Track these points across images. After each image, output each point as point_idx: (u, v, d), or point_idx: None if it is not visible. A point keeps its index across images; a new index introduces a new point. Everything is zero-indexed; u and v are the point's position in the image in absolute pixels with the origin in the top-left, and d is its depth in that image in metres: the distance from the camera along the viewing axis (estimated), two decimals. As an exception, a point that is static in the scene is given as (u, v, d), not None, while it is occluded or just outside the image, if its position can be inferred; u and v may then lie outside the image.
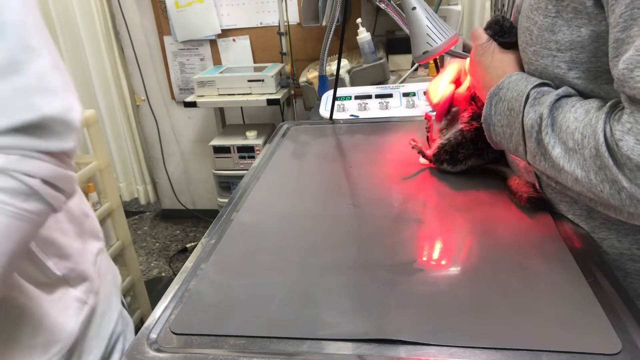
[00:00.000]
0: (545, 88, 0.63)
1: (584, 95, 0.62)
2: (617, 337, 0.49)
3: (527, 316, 0.53)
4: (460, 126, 0.85)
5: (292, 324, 0.55)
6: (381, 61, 1.74)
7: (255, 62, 2.53)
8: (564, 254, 0.63)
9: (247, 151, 2.26)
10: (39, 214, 0.53)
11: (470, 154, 0.84)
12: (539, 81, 0.64)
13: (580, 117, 0.56)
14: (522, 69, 0.70)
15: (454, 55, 0.95)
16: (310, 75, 1.94)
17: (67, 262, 0.69)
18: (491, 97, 0.69)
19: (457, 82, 0.90)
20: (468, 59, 0.80)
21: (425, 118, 0.94)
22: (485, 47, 0.73)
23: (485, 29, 0.75)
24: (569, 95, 0.61)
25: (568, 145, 0.57)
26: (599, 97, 0.60)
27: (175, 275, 1.66)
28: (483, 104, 0.81)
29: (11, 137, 0.50)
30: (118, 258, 1.88)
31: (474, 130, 0.82)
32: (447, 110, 0.89)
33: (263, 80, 2.20)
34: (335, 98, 1.24)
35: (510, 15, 0.78)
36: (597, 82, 0.61)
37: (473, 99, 0.84)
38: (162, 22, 2.53)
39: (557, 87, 0.63)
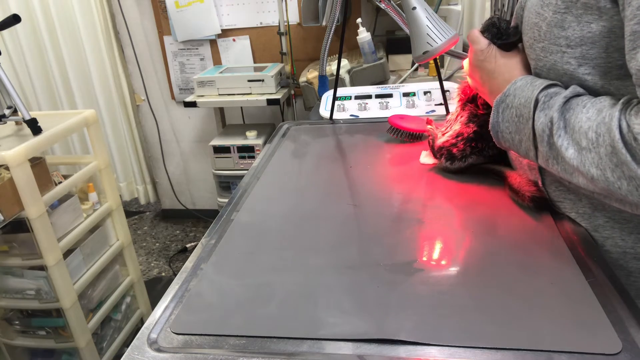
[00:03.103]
0: (552, 90, 0.62)
1: (593, 91, 0.61)
2: (617, 337, 0.49)
3: (527, 316, 0.53)
4: (457, 128, 0.85)
5: (292, 324, 0.55)
6: (381, 61, 1.74)
7: (255, 62, 2.53)
8: (564, 254, 0.63)
9: (247, 151, 2.26)
10: None
11: (468, 153, 0.84)
12: (545, 84, 0.63)
13: (593, 116, 0.56)
14: (527, 71, 0.70)
15: (454, 55, 0.95)
16: (310, 75, 1.94)
17: None
18: (497, 104, 0.69)
19: None
20: (466, 61, 0.80)
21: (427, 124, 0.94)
22: (486, 52, 0.73)
23: (482, 32, 0.74)
24: (577, 95, 0.60)
25: (581, 145, 0.56)
26: (609, 93, 0.59)
27: (175, 275, 1.66)
28: (481, 104, 0.81)
29: None
30: (118, 258, 1.88)
31: (472, 132, 0.83)
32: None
33: (263, 80, 2.20)
34: (335, 98, 1.24)
35: (511, 15, 0.77)
36: (608, 78, 0.60)
37: (470, 100, 0.83)
38: (162, 22, 2.53)
39: (565, 85, 0.62)
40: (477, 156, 0.85)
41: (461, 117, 0.85)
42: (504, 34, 0.72)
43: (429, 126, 0.94)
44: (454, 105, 0.92)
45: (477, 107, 0.82)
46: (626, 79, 0.58)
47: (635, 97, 0.54)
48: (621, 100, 0.55)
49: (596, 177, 0.55)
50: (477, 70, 0.75)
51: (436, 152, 0.89)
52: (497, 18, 0.73)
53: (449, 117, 0.90)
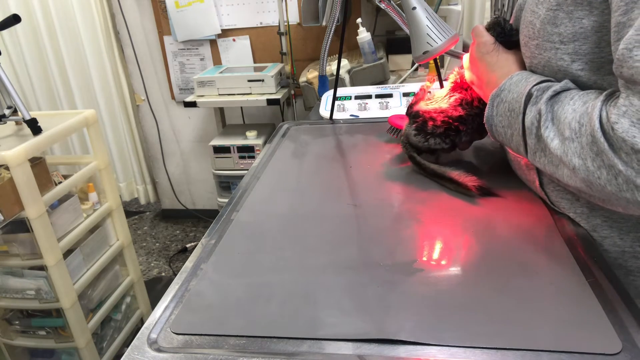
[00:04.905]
0: (544, 84, 0.63)
1: (587, 87, 0.62)
2: (617, 337, 0.49)
3: (527, 316, 0.53)
4: (444, 107, 0.84)
5: (292, 324, 0.55)
6: (381, 61, 1.74)
7: (255, 62, 2.53)
8: (564, 254, 0.63)
9: (247, 151, 2.26)
10: None
11: (438, 132, 0.84)
12: (538, 79, 0.64)
13: (578, 107, 0.57)
14: (525, 67, 0.71)
15: (454, 55, 0.95)
16: (310, 75, 1.94)
17: None
18: (493, 98, 0.69)
19: None
20: (466, 56, 0.81)
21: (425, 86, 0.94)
22: (489, 46, 0.74)
23: (487, 30, 0.75)
24: (567, 89, 0.61)
25: (565, 135, 0.57)
26: (602, 88, 0.60)
27: (175, 275, 1.66)
28: (476, 97, 0.82)
29: None
30: (118, 258, 1.88)
31: (457, 116, 0.83)
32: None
33: (263, 80, 2.20)
34: (335, 98, 1.24)
35: (511, 16, 0.78)
36: (601, 73, 0.61)
37: (464, 89, 0.84)
38: (162, 22, 2.53)
39: (559, 81, 0.63)
40: (442, 140, 0.85)
41: (450, 97, 0.85)
42: (507, 34, 0.74)
43: (427, 83, 0.93)
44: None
45: (471, 97, 0.83)
46: None
47: (619, 90, 0.55)
48: (605, 92, 0.56)
49: (577, 166, 0.56)
50: (478, 62, 0.76)
51: (412, 113, 0.88)
52: (503, 19, 0.75)
53: (435, 95, 0.89)
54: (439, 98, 0.87)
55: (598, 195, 0.57)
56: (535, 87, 0.63)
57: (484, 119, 0.72)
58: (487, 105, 0.71)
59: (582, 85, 0.62)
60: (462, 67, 0.84)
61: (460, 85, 0.84)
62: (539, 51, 0.65)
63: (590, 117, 0.54)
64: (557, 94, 0.61)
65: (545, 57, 0.65)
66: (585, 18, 0.59)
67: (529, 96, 0.63)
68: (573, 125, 0.56)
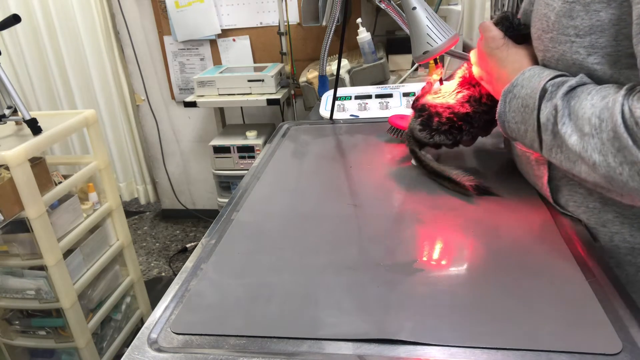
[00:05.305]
0: (559, 79, 0.62)
1: (603, 81, 0.61)
2: (618, 337, 0.49)
3: (527, 316, 0.53)
4: (451, 102, 0.84)
5: (292, 324, 0.55)
6: (381, 61, 1.74)
7: (255, 62, 2.53)
8: (564, 254, 0.63)
9: (247, 151, 2.26)
10: None
11: (443, 130, 0.84)
12: (552, 74, 0.63)
13: (597, 102, 0.55)
14: (537, 62, 0.70)
15: (454, 55, 0.95)
16: (310, 75, 1.94)
17: None
18: (505, 94, 0.68)
19: None
20: (473, 52, 0.80)
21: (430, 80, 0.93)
22: (499, 41, 0.73)
23: (495, 25, 0.74)
24: (583, 84, 0.60)
25: (584, 131, 0.56)
26: (619, 82, 0.59)
27: (175, 275, 1.66)
28: (485, 94, 0.81)
29: None
30: (118, 258, 1.88)
31: (464, 113, 0.82)
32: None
33: (263, 80, 2.20)
34: (335, 98, 1.24)
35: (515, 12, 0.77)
36: (617, 67, 0.59)
37: (473, 85, 0.83)
38: (162, 22, 2.53)
39: (574, 75, 0.62)
40: (446, 137, 0.84)
41: (458, 93, 0.84)
42: (516, 28, 0.73)
43: (434, 76, 0.92)
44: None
45: (480, 94, 0.82)
46: (636, 68, 0.58)
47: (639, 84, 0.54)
48: (625, 86, 0.55)
49: (598, 163, 0.55)
50: (487, 58, 0.75)
51: (417, 107, 0.87)
52: (511, 13, 0.74)
53: (442, 88, 0.88)
54: (447, 93, 0.86)
55: (619, 190, 0.56)
56: (549, 82, 0.62)
57: (497, 115, 0.71)
58: (500, 101, 0.69)
59: (597, 80, 0.61)
60: (470, 62, 0.83)
61: (469, 81, 0.84)
62: (553, 44, 0.64)
63: (612, 112, 0.53)
64: (572, 89, 0.59)
65: (560, 50, 0.63)
66: (602, 11, 0.58)
67: (543, 91, 0.62)
68: (593, 121, 0.55)
